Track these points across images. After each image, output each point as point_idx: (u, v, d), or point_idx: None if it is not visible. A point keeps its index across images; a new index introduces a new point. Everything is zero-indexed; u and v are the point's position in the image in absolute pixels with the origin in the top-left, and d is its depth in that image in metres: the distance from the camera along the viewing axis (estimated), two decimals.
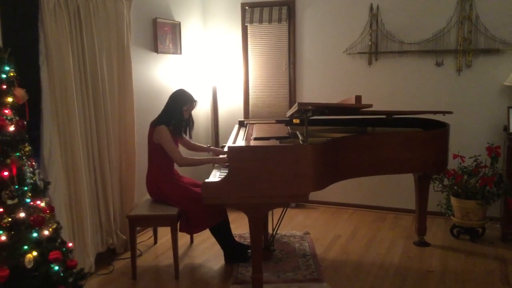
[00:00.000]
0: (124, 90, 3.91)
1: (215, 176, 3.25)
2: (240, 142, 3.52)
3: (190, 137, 3.86)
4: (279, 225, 3.81)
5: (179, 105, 3.63)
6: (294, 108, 3.30)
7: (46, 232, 2.43)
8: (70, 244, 2.63)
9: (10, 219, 2.28)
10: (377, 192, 4.96)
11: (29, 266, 2.27)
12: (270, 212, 3.66)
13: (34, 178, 2.46)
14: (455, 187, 4.11)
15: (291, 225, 4.61)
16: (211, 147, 4.13)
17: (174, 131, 3.62)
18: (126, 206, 4.01)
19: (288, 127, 4.04)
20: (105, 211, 3.79)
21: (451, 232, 4.21)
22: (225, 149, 3.47)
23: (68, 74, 3.29)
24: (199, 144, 4.09)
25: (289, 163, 2.88)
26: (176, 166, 3.73)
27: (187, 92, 3.71)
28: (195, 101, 3.71)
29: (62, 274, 2.44)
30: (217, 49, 5.35)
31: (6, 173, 2.28)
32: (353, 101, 3.36)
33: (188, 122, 3.79)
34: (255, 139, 3.47)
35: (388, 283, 3.36)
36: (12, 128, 2.36)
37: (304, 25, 5.02)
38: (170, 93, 3.74)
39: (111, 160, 3.81)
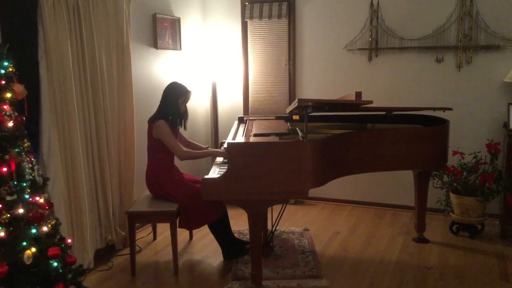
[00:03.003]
0: (123, 86, 3.90)
1: (215, 172, 3.25)
2: (240, 138, 3.52)
3: (185, 128, 3.83)
4: (278, 221, 3.81)
5: (175, 98, 3.62)
6: (294, 104, 3.29)
7: (45, 228, 2.43)
8: (69, 240, 2.62)
9: (9, 215, 2.27)
10: (376, 188, 4.96)
11: (28, 262, 2.26)
12: (269, 209, 3.65)
13: (33, 174, 2.46)
14: (455, 184, 4.11)
15: (290, 221, 4.61)
16: (209, 148, 4.09)
17: (173, 125, 3.62)
18: (125, 202, 4.01)
19: (288, 124, 4.03)
20: (104, 207, 3.79)
21: (450, 228, 4.21)
22: (225, 145, 3.47)
23: (67, 69, 3.28)
24: (197, 144, 4.05)
25: (289, 160, 2.87)
26: (176, 162, 3.73)
27: (180, 84, 3.68)
28: (189, 92, 3.69)
29: (61, 270, 2.44)
30: (216, 45, 5.34)
31: (5, 169, 2.27)
32: (353, 98, 3.36)
33: (184, 114, 3.76)
34: (255, 135, 3.47)
35: (387, 279, 3.36)
36: (11, 124, 2.35)
37: (304, 21, 5.00)
38: (164, 88, 3.71)
39: (110, 156, 3.80)
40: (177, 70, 4.87)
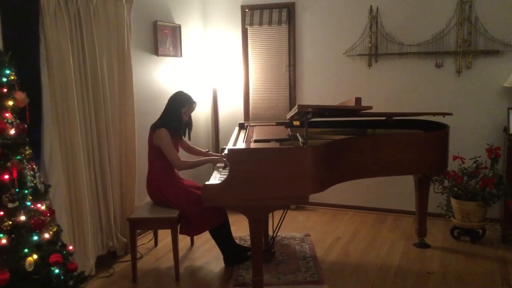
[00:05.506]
0: (124, 93, 3.92)
1: (216, 178, 3.25)
2: (241, 145, 3.53)
3: (189, 139, 3.86)
4: (280, 227, 3.82)
5: (178, 107, 3.64)
6: (294, 110, 3.30)
7: (46, 235, 2.44)
8: (71, 247, 2.63)
9: (10, 222, 2.29)
10: (377, 193, 4.96)
11: (29, 269, 2.27)
12: (270, 214, 3.66)
13: (34, 181, 2.47)
14: (455, 189, 4.11)
15: (291, 227, 4.61)
16: (209, 152, 4.12)
17: (174, 134, 3.63)
18: (126, 208, 4.01)
19: (288, 129, 4.04)
20: (105, 213, 3.80)
21: (452, 233, 4.21)
22: (226, 151, 3.48)
23: (69, 77, 3.30)
24: (198, 148, 4.09)
25: (290, 165, 2.88)
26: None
27: (186, 94, 3.71)
28: (194, 102, 3.71)
29: (62, 277, 2.45)
30: (217, 52, 5.36)
31: (6, 177, 2.28)
32: (353, 103, 3.37)
33: (188, 124, 3.79)
34: (256, 141, 3.48)
35: (388, 284, 3.36)
36: (12, 132, 2.37)
37: (304, 27, 5.03)
38: (170, 96, 3.74)
39: (112, 163, 3.81)
40: (178, 77, 4.89)
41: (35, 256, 2.32)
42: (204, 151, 4.09)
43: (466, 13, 4.36)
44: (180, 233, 3.58)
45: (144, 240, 4.28)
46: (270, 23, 5.04)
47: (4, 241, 2.23)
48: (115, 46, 3.80)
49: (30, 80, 3.05)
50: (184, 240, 4.07)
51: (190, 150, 4.00)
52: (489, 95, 4.41)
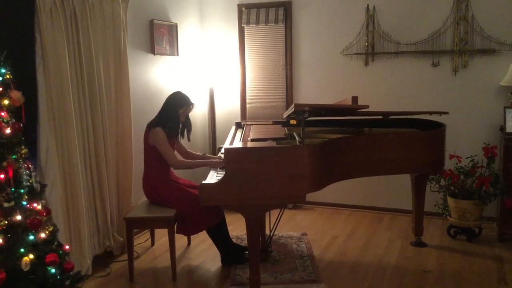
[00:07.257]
0: (120, 92, 3.91)
1: (212, 177, 3.25)
2: (237, 144, 3.53)
3: (188, 140, 3.84)
4: (276, 226, 3.82)
5: (175, 107, 3.62)
6: (291, 109, 3.30)
7: (42, 235, 2.43)
8: (67, 247, 2.63)
9: (6, 222, 2.28)
10: (374, 192, 4.97)
11: (25, 269, 2.26)
12: (267, 213, 3.65)
13: (30, 181, 2.46)
14: (452, 187, 4.12)
15: (288, 226, 4.61)
16: (206, 155, 4.09)
17: (171, 134, 3.61)
18: (123, 208, 4.00)
19: (285, 128, 4.04)
20: (102, 213, 3.79)
21: (448, 232, 4.22)
22: (222, 150, 3.47)
23: (65, 76, 3.29)
24: (195, 153, 4.03)
25: (286, 164, 2.88)
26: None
27: (184, 95, 3.69)
28: (192, 104, 3.70)
29: (59, 277, 2.44)
30: (214, 51, 5.35)
31: (2, 176, 2.28)
32: (349, 102, 3.37)
33: (186, 125, 3.77)
34: (252, 140, 3.48)
35: (385, 283, 3.36)
36: (8, 131, 2.36)
37: (301, 26, 5.03)
38: (167, 95, 3.73)
39: (108, 162, 3.80)
40: (174, 75, 4.88)
41: (31, 256, 2.31)
42: (201, 154, 4.06)
43: (462, 12, 4.37)
44: (177, 232, 3.57)
45: (141, 240, 4.27)
46: (266, 22, 5.04)
47: (0, 240, 2.22)
48: (111, 45, 3.79)
49: (26, 79, 3.04)
50: (181, 240, 4.06)
51: (188, 156, 3.91)
52: (486, 94, 4.42)
